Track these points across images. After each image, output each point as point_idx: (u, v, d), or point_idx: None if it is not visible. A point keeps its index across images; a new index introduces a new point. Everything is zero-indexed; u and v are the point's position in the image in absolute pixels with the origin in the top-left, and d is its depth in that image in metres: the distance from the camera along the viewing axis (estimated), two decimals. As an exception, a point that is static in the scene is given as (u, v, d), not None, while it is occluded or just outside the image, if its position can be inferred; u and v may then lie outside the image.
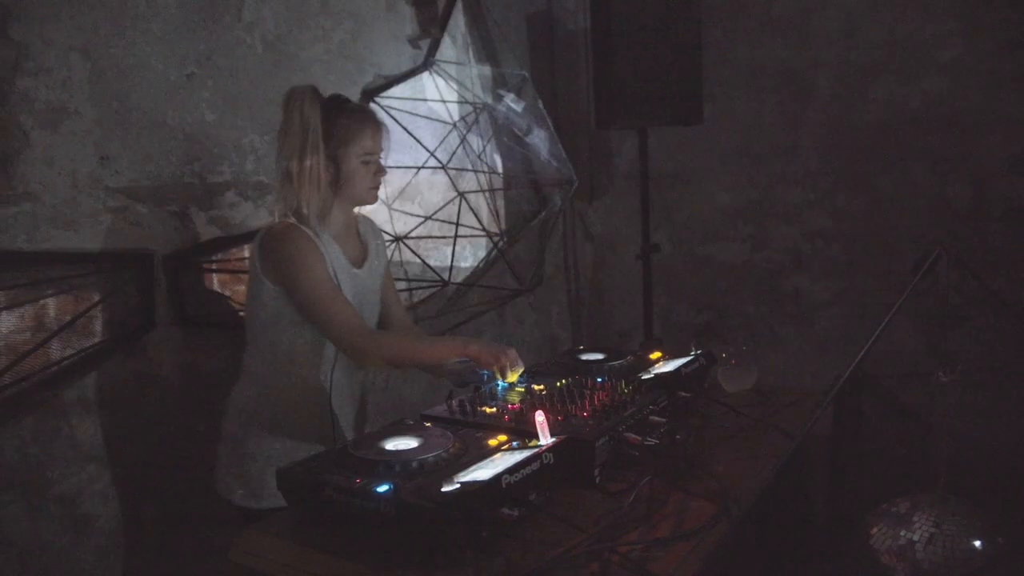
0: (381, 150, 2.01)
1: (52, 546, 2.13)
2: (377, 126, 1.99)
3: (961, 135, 3.26)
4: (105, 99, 2.19)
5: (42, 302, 2.09)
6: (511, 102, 3.27)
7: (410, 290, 3.08)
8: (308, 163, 1.88)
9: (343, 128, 1.93)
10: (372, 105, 2.91)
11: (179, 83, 2.36)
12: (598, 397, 1.82)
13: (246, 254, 2.53)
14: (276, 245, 1.91)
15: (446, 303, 3.25)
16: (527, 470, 1.45)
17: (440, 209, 3.20)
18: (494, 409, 1.82)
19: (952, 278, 1.69)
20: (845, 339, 3.58)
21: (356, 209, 2.11)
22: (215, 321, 2.46)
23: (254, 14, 2.54)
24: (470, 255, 3.42)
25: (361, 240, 2.13)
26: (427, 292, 3.16)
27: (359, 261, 2.08)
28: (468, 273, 3.37)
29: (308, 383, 2.00)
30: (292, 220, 1.92)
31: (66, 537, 2.16)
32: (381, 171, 2.03)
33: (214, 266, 2.47)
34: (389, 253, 3.01)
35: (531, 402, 1.82)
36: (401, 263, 3.06)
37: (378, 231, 2.24)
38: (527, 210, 3.62)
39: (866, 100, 3.45)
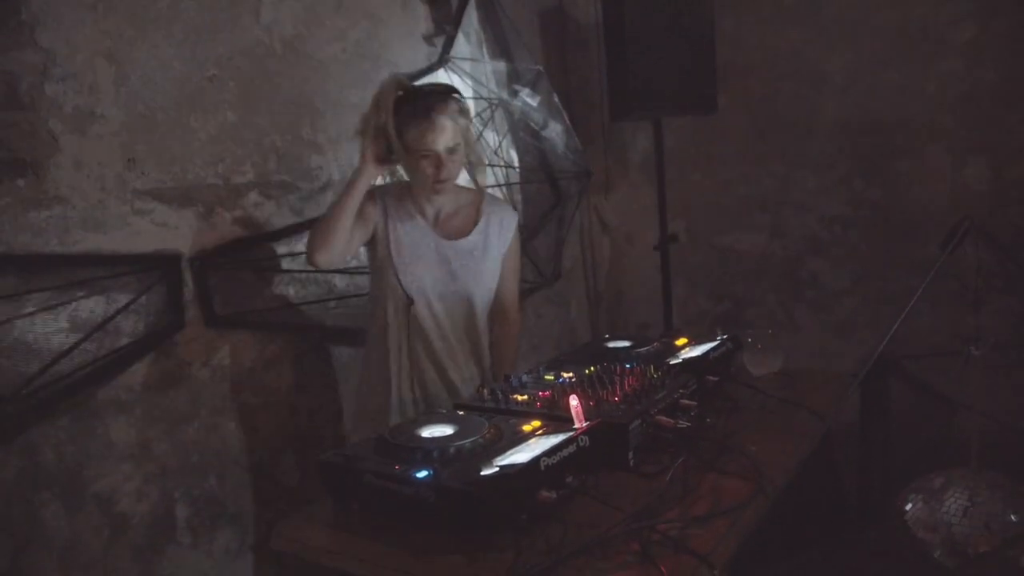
0: (437, 145, 2.08)
1: (90, 544, 2.16)
2: (427, 120, 2.07)
3: (978, 117, 3.26)
4: (130, 102, 2.22)
5: (74, 304, 2.12)
6: (526, 97, 3.29)
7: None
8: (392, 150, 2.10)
9: (401, 123, 2.07)
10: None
11: (201, 85, 2.38)
12: (628, 382, 1.84)
13: (271, 253, 2.56)
14: None
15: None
16: (564, 453, 1.47)
17: (459, 205, 3.21)
18: (525, 396, 1.84)
19: (980, 253, 1.70)
20: (864, 325, 3.58)
21: (489, 191, 2.40)
22: (243, 320, 2.48)
23: (272, 15, 2.57)
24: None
25: (468, 217, 2.29)
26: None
27: (454, 235, 2.26)
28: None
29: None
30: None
31: (103, 535, 2.19)
32: (440, 164, 2.10)
33: (240, 266, 2.50)
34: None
35: (562, 389, 1.84)
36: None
37: (504, 211, 2.38)
38: (544, 204, 3.63)
39: (881, 84, 3.44)
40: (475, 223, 2.29)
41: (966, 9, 3.22)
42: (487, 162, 2.44)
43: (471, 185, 2.35)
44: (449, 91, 2.18)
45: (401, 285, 2.19)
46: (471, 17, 3.33)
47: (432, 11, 3.17)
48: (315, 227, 2.17)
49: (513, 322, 2.44)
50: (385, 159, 2.12)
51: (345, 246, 2.15)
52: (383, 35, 2.96)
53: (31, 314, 2.02)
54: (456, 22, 3.22)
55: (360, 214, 2.15)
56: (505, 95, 3.34)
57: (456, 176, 2.20)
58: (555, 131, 3.36)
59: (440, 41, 3.19)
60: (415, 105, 2.09)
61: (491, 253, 2.30)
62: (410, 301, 2.19)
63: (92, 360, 2.14)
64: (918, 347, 3.08)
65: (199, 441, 2.40)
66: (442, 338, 2.24)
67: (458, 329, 2.27)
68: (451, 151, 2.11)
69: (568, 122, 3.38)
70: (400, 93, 2.10)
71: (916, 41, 3.34)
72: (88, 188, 2.13)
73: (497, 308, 2.38)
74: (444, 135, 2.09)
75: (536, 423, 1.62)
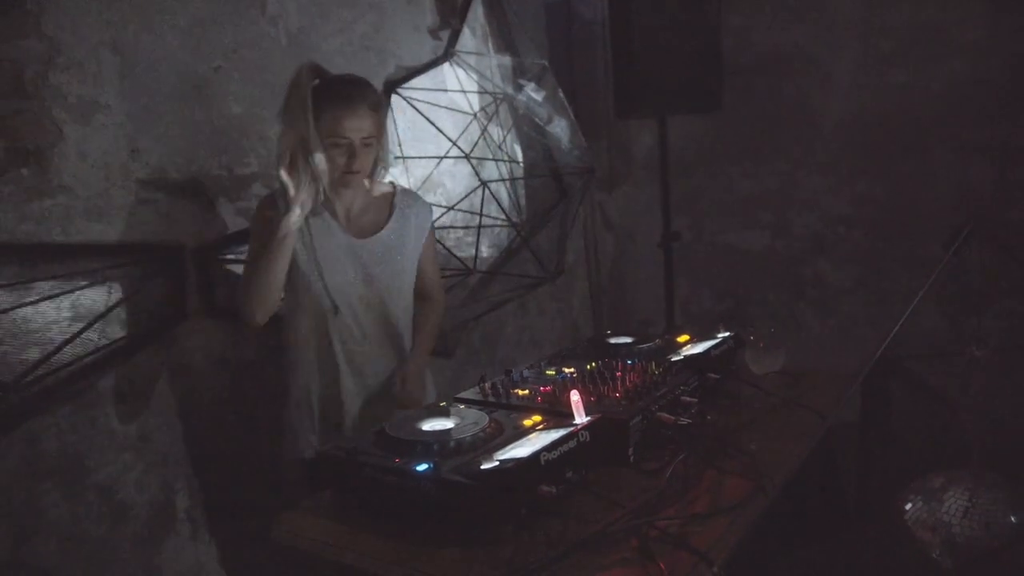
0: (353, 134, 1.97)
1: (90, 533, 2.17)
2: (347, 107, 1.96)
3: (983, 118, 3.25)
4: (135, 93, 2.22)
5: (77, 293, 2.12)
6: (531, 92, 3.28)
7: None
8: (294, 142, 1.93)
9: (316, 108, 1.93)
10: (395, 96, 2.93)
11: (206, 76, 2.38)
12: (629, 378, 1.84)
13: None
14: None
15: (470, 292, 3.27)
16: (564, 448, 1.47)
17: (463, 199, 3.21)
18: (526, 391, 1.83)
19: (983, 254, 1.69)
20: (866, 325, 3.58)
21: (395, 181, 2.25)
22: (244, 311, 2.48)
23: (278, 7, 2.56)
24: (493, 244, 3.43)
25: (380, 213, 2.18)
26: (451, 281, 3.18)
27: (366, 232, 2.14)
28: (491, 262, 3.38)
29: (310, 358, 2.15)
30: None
31: (104, 525, 2.19)
32: (354, 154, 1.99)
33: (243, 257, 2.49)
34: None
35: (563, 384, 1.84)
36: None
37: (418, 203, 2.26)
38: (548, 199, 3.63)
39: (887, 84, 3.44)
40: (388, 218, 2.17)
41: (974, 9, 3.21)
42: (391, 163, 2.28)
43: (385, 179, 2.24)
44: (366, 82, 2.09)
45: (327, 292, 2.07)
46: (477, 11, 3.32)
47: (438, 4, 3.16)
48: (246, 288, 2.03)
49: (437, 302, 2.36)
50: (314, 202, 1.99)
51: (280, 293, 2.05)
52: (388, 28, 2.96)
53: (33, 303, 2.02)
54: (462, 16, 3.22)
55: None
56: (510, 90, 3.34)
57: (367, 170, 2.09)
58: (560, 127, 3.35)
59: (445, 35, 3.19)
60: (334, 91, 1.98)
61: (407, 249, 2.19)
62: (334, 309, 2.08)
63: (94, 350, 2.15)
64: (920, 347, 3.08)
65: (200, 432, 2.40)
66: (362, 342, 2.13)
67: (379, 332, 2.16)
68: (366, 142, 2.00)
69: (573, 118, 3.37)
70: (316, 81, 1.99)
71: (923, 40, 3.33)
72: (91, 178, 2.13)
73: (420, 294, 2.29)
74: (362, 123, 1.98)
75: (537, 418, 1.62)
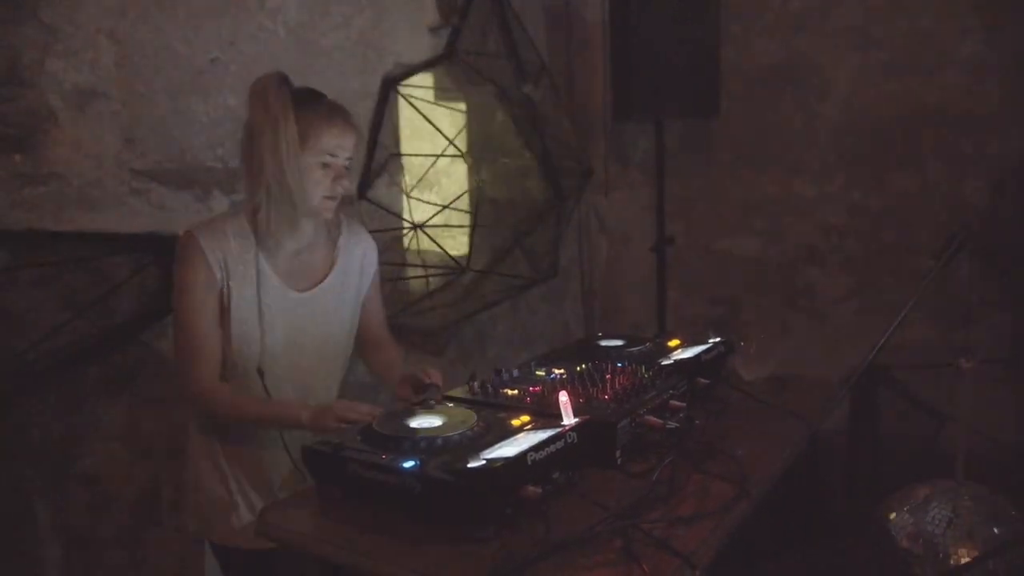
0: (346, 152, 1.74)
1: (74, 523, 2.16)
2: (345, 122, 1.73)
3: (978, 131, 3.26)
4: (131, 82, 2.22)
5: (67, 281, 2.12)
6: (529, 92, 3.28)
7: (427, 277, 3.11)
8: (267, 163, 1.65)
9: (303, 122, 1.67)
10: (393, 93, 2.93)
11: (203, 67, 2.38)
12: (619, 381, 1.83)
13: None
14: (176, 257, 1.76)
15: (462, 291, 3.27)
16: (551, 448, 1.46)
17: (458, 198, 3.22)
18: (515, 391, 1.83)
19: (973, 266, 1.70)
20: (858, 334, 3.57)
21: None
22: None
23: (277, 0, 2.56)
24: (487, 244, 3.43)
25: (327, 254, 1.88)
26: (444, 280, 3.19)
27: (310, 283, 1.82)
28: (484, 262, 3.38)
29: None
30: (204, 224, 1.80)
31: (88, 514, 2.19)
32: (341, 177, 1.74)
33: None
34: (407, 241, 3.03)
35: (552, 385, 1.83)
36: (419, 251, 3.09)
37: (364, 240, 1.97)
38: (543, 200, 3.63)
39: (883, 95, 3.45)
40: (332, 263, 1.87)
41: (971, 23, 3.22)
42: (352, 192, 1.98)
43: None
44: None
45: (257, 355, 1.76)
46: (478, 9, 3.32)
47: (438, 2, 3.16)
48: (220, 406, 1.78)
49: (396, 349, 2.03)
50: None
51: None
52: (388, 25, 2.95)
53: (23, 290, 2.02)
54: (462, 14, 3.22)
55: (208, 288, 1.74)
56: (509, 89, 3.34)
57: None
58: (557, 128, 3.35)
59: (445, 32, 3.19)
60: (325, 103, 1.74)
61: (348, 296, 1.91)
62: (260, 373, 1.75)
63: (83, 338, 2.14)
64: (910, 357, 3.09)
65: (185, 426, 2.39)
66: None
67: (305, 388, 1.85)
68: (348, 167, 1.77)
69: (570, 119, 3.38)
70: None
71: (921, 52, 3.34)
72: (85, 166, 2.13)
73: (372, 344, 2.01)
74: (353, 144, 1.75)
75: (525, 418, 1.62)
